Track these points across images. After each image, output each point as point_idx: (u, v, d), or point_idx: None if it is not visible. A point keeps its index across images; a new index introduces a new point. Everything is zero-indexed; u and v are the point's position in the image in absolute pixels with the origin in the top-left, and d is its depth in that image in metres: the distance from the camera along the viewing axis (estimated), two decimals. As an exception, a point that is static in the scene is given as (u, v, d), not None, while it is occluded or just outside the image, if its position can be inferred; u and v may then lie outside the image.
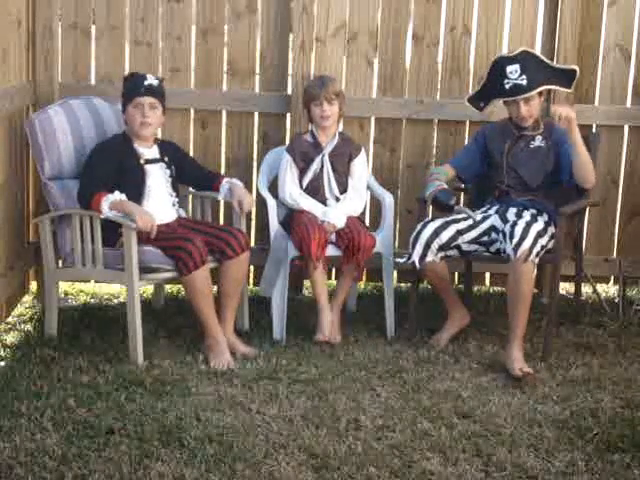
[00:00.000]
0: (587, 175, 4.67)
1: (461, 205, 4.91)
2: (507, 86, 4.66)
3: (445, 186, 4.78)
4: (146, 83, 4.59)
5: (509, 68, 4.65)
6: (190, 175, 4.88)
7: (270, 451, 3.61)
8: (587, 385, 4.32)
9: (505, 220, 4.65)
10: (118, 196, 4.44)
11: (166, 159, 4.72)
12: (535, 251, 4.46)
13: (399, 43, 5.38)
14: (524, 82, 4.63)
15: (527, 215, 4.64)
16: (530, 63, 4.68)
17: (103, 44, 5.28)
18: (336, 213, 4.83)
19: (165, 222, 4.62)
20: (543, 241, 4.52)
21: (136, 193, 4.55)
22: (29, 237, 5.24)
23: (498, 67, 4.71)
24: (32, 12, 5.08)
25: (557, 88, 4.84)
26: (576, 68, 4.79)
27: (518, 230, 4.49)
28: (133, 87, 4.60)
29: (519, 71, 4.63)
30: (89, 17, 5.26)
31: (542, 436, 3.80)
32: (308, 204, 4.90)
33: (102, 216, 4.41)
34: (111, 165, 4.53)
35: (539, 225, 4.54)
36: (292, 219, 4.88)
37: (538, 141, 4.78)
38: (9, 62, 4.72)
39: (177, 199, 4.77)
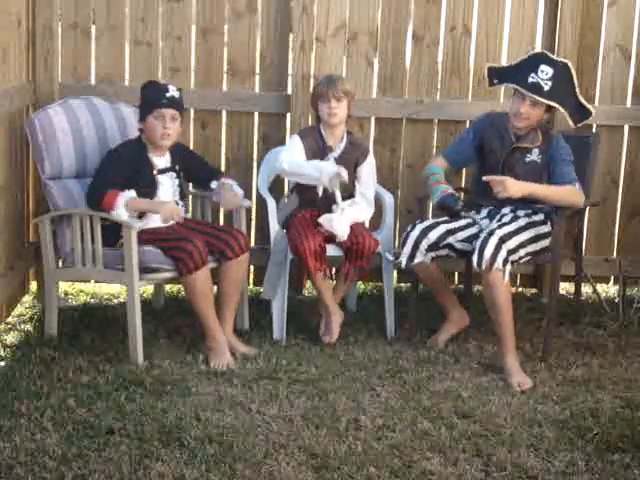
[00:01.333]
0: (569, 204, 4.58)
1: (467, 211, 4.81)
2: (530, 80, 4.53)
3: (451, 190, 4.72)
4: (168, 95, 4.55)
5: (543, 67, 4.53)
6: (197, 175, 4.87)
7: (270, 451, 3.61)
8: (587, 385, 4.32)
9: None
10: (133, 194, 4.44)
11: (177, 167, 4.71)
12: (500, 258, 4.36)
13: (399, 43, 5.38)
14: (546, 87, 4.51)
15: (507, 218, 4.60)
16: (563, 77, 4.56)
17: (103, 44, 5.28)
18: (343, 226, 4.71)
19: (165, 225, 4.63)
20: (510, 244, 4.42)
21: None
22: (29, 237, 5.24)
23: (534, 60, 4.60)
24: (32, 12, 5.08)
25: (567, 116, 4.61)
26: (593, 111, 4.67)
27: (478, 242, 4.42)
28: (155, 97, 4.56)
29: (549, 75, 4.52)
30: (89, 17, 5.26)
31: (542, 436, 3.80)
32: (308, 166, 4.76)
33: (113, 213, 4.39)
34: (124, 170, 4.50)
35: (507, 229, 4.46)
36: (290, 221, 4.88)
37: (534, 155, 4.66)
38: (9, 62, 4.72)
39: (184, 207, 4.76)
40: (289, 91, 5.37)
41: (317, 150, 4.90)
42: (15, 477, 3.36)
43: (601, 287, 5.68)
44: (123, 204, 4.40)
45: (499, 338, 4.47)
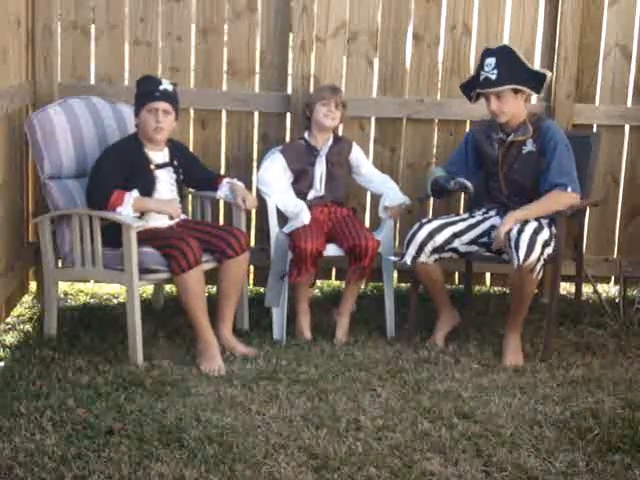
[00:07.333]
0: (564, 208, 4.61)
1: (457, 179, 4.77)
2: (481, 78, 4.61)
3: (443, 173, 4.81)
4: (161, 88, 4.56)
5: (487, 60, 4.60)
6: (195, 178, 4.88)
7: (270, 451, 3.60)
8: (588, 385, 4.32)
9: None
10: (137, 194, 4.47)
11: (175, 163, 4.71)
12: (541, 262, 4.46)
13: (399, 43, 5.38)
14: (493, 76, 4.56)
15: (533, 220, 4.59)
16: (506, 59, 4.57)
17: (103, 44, 5.28)
18: (305, 213, 4.82)
19: (165, 225, 4.63)
20: (549, 250, 4.51)
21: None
22: (29, 237, 5.24)
23: (481, 59, 4.65)
24: (32, 12, 5.08)
25: (526, 90, 4.60)
26: (547, 73, 4.63)
27: (524, 240, 4.43)
28: (148, 91, 4.56)
29: (493, 65, 4.56)
30: (89, 17, 5.26)
31: (543, 436, 3.79)
32: (282, 200, 4.90)
33: (120, 211, 4.40)
34: (122, 169, 4.51)
35: (545, 234, 4.50)
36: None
37: (530, 145, 4.66)
38: (9, 62, 4.71)
39: (181, 204, 4.76)
40: (289, 91, 5.36)
41: (305, 154, 4.97)
42: (14, 477, 3.36)
43: (601, 287, 5.67)
44: (131, 203, 4.42)
45: (511, 316, 4.62)
